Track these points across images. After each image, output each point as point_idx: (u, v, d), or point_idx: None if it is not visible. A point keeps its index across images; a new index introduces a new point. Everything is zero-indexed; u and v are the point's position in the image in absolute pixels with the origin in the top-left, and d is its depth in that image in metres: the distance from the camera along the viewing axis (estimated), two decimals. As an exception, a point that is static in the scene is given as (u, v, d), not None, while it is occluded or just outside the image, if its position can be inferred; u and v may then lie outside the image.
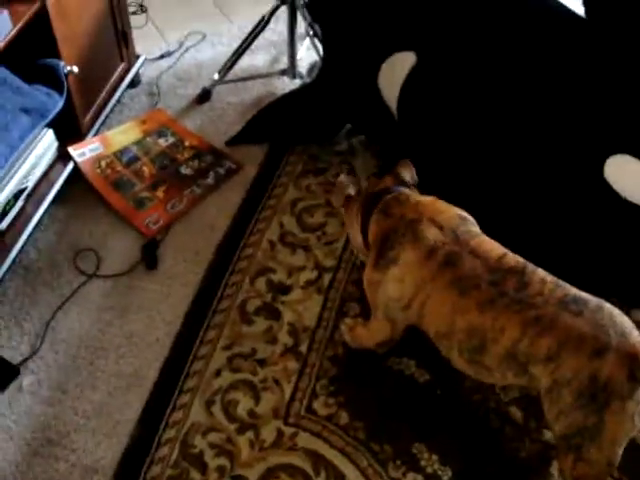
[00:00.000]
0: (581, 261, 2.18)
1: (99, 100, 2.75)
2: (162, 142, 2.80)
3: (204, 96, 2.96)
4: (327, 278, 2.40)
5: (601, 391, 1.59)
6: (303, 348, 2.23)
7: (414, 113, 2.36)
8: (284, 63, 3.05)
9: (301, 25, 3.01)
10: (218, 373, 2.19)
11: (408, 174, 2.09)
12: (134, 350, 2.23)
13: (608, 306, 1.68)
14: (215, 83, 2.96)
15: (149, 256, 2.45)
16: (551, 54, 2.17)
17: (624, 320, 1.65)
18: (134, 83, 3.00)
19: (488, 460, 2.06)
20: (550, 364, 1.65)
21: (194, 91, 3.02)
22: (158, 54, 3.20)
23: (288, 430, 2.09)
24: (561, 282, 1.75)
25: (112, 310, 2.33)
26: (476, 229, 1.92)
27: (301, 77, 2.97)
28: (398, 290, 1.90)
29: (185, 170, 2.71)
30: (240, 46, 2.97)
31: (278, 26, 3.15)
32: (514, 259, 1.81)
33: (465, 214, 1.96)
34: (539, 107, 2.14)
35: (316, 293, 2.36)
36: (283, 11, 2.91)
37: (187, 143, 2.80)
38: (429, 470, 2.03)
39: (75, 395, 2.14)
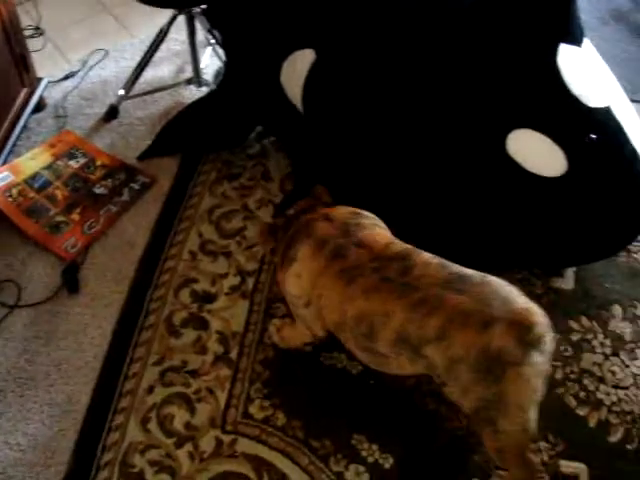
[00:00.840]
0: (493, 236, 2.23)
1: (3, 128, 2.69)
2: (73, 164, 2.76)
3: (111, 113, 2.93)
4: (251, 282, 2.41)
5: (494, 362, 1.63)
6: (234, 354, 2.24)
7: (318, 108, 2.38)
8: (189, 72, 3.03)
9: (201, 33, 3.00)
10: (151, 390, 2.18)
11: (327, 197, 2.11)
12: (64, 377, 2.21)
13: (492, 279, 1.73)
14: (121, 99, 2.93)
15: (70, 280, 2.42)
16: (446, 39, 2.20)
17: (509, 290, 1.70)
18: (39, 107, 2.95)
19: (428, 442, 2.10)
20: (441, 343, 1.68)
21: (101, 109, 2.98)
22: (62, 75, 3.14)
23: (227, 438, 2.10)
24: (446, 262, 1.79)
25: (38, 339, 2.29)
26: (369, 222, 1.95)
27: (207, 85, 2.96)
28: (297, 286, 1.93)
29: (99, 190, 2.68)
30: (142, 60, 2.95)
31: (180, 36, 3.13)
32: (400, 246, 1.86)
33: (360, 210, 1.99)
34: (438, 92, 2.17)
35: (241, 298, 2.37)
36: (182, 21, 2.89)
37: (99, 162, 2.76)
38: (370, 460, 2.06)
39: (7, 430, 2.11)
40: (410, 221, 2.28)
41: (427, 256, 1.81)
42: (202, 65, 3.00)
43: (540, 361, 1.65)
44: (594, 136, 2.05)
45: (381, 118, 2.24)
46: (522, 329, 1.61)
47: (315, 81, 2.34)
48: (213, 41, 3.02)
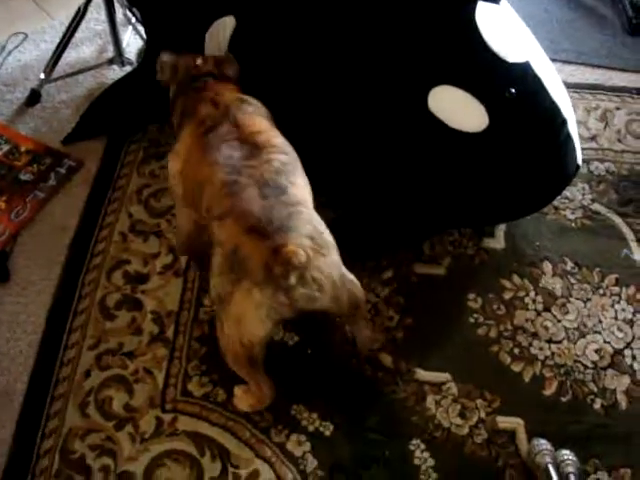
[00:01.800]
0: (419, 195, 2.24)
1: None
2: (-4, 151, 2.70)
3: (33, 98, 2.86)
4: (183, 260, 2.39)
5: (238, 265, 1.71)
6: (169, 333, 2.23)
7: (243, 72, 2.34)
8: (111, 52, 2.96)
9: (121, 12, 2.95)
10: (88, 374, 2.16)
11: (231, 69, 2.23)
12: (-1, 367, 2.18)
13: (305, 210, 1.82)
14: (43, 83, 2.86)
15: (7, 270, 2.38)
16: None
17: (309, 227, 1.77)
18: (-43, 94, 2.88)
19: (366, 409, 2.13)
20: (218, 222, 1.80)
21: (23, 94, 2.90)
22: (-20, 62, 3.07)
23: (167, 417, 2.09)
24: (288, 174, 1.89)
25: (-32, 330, 2.26)
26: (251, 109, 2.08)
27: (130, 64, 2.90)
28: (175, 164, 2.04)
29: (24, 176, 2.62)
30: (61, 41, 2.88)
31: (101, 15, 3.06)
32: (268, 140, 1.96)
33: (247, 97, 2.12)
34: (357, 51, 2.17)
35: (174, 277, 2.35)
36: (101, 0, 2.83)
37: (23, 148, 2.70)
38: (311, 428, 2.08)
39: (-58, 425, 2.07)
40: (337, 178, 2.33)
41: (278, 157, 1.91)
42: (124, 44, 2.94)
43: (274, 298, 1.70)
44: (514, 90, 2.08)
45: (301, 78, 2.24)
46: (275, 258, 1.65)
47: (237, 46, 2.33)
48: (133, 19, 2.96)
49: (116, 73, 2.95)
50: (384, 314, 2.28)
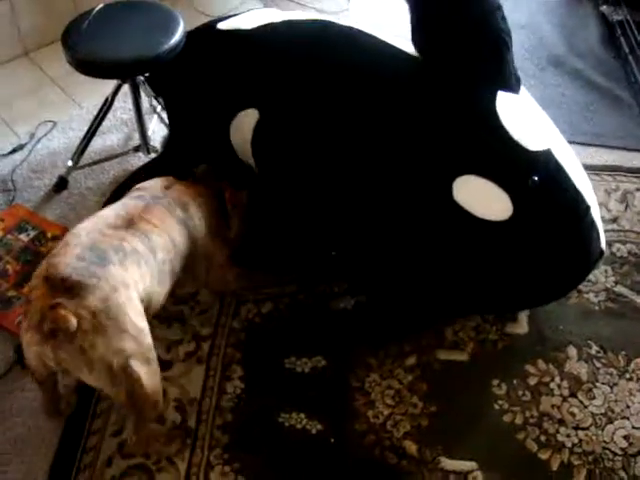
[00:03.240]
0: (444, 283, 2.26)
1: (-49, 205, 2.68)
2: (23, 237, 2.74)
3: (61, 184, 2.92)
4: (206, 347, 2.40)
5: (28, 303, 1.88)
6: (192, 422, 2.22)
7: (267, 162, 2.41)
8: (137, 140, 3.03)
9: (147, 101, 3.02)
10: (109, 462, 2.15)
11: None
12: (20, 455, 2.17)
13: (107, 288, 1.85)
14: (70, 170, 2.93)
15: (23, 355, 2.38)
16: (389, 90, 2.25)
17: (102, 305, 1.81)
18: (-13, 182, 2.95)
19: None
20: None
21: (51, 181, 2.97)
22: (9, 149, 3.14)
23: (189, 507, 2.07)
24: (127, 257, 1.96)
25: (-8, 418, 2.26)
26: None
27: (155, 151, 2.97)
28: None
29: (50, 262, 2.66)
30: (88, 130, 2.96)
31: (127, 104, 3.15)
32: (147, 229, 2.09)
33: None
34: (383, 142, 2.20)
35: (197, 364, 2.35)
36: (128, 90, 2.91)
37: (49, 234, 2.75)
38: (335, 519, 2.05)
39: (-38, 514, 2.06)
40: (361, 264, 2.35)
41: (133, 241, 2.02)
42: (149, 132, 3.01)
43: (40, 346, 1.81)
44: (537, 178, 2.10)
45: (327, 170, 2.27)
46: (50, 316, 1.75)
47: (261, 138, 2.38)
48: (159, 108, 3.04)
49: (142, 160, 3.02)
50: (408, 401, 2.26)
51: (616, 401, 2.29)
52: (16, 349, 2.39)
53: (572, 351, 2.40)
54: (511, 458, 2.16)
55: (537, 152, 2.16)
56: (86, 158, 3.00)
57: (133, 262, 1.97)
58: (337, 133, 2.25)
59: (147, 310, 2.03)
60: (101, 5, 2.70)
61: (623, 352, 2.40)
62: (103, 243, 1.96)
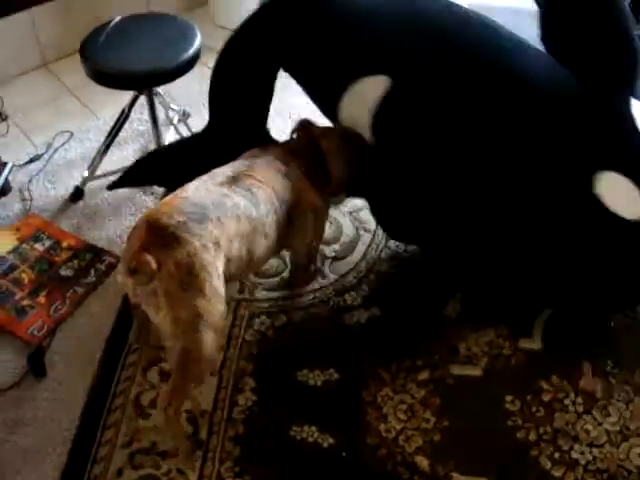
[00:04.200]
0: (564, 273, 2.28)
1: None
2: (39, 247, 2.76)
3: (77, 194, 2.94)
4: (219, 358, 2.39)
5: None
6: (203, 434, 2.21)
7: (394, 137, 2.34)
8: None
9: (163, 112, 3.04)
10: (120, 473, 2.14)
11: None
12: (31, 464, 2.16)
13: (199, 246, 1.92)
14: (86, 180, 2.95)
15: (36, 364, 2.39)
16: (534, 83, 2.24)
17: (189, 260, 1.88)
18: (4, 191, 2.96)
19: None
20: None
21: (67, 191, 2.99)
22: (27, 159, 3.16)
23: (200, 519, 2.06)
24: (226, 212, 2.03)
25: (4, 426, 2.25)
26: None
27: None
28: None
29: (65, 271, 2.67)
30: (105, 141, 2.98)
31: (144, 115, 3.17)
32: (251, 183, 2.16)
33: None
34: (526, 127, 2.20)
35: (209, 375, 2.34)
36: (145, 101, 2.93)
37: (64, 244, 2.77)
38: (346, 533, 2.03)
39: (-27, 523, 2.06)
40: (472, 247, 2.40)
41: (236, 197, 2.09)
42: (165, 144, 3.03)
43: (123, 278, 1.93)
44: None
45: (461, 149, 2.25)
46: (135, 255, 1.86)
47: (391, 109, 2.31)
48: (175, 119, 3.05)
49: (157, 171, 3.02)
50: (420, 415, 2.24)
51: (631, 418, 2.26)
52: (29, 358, 2.40)
53: (587, 367, 2.38)
54: (524, 475, 2.14)
55: None
56: (102, 169, 3.02)
57: (232, 217, 2.04)
58: (478, 113, 2.22)
59: (250, 263, 2.15)
60: (119, 17, 2.73)
61: (638, 368, 2.38)
62: (206, 199, 2.04)
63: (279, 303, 2.55)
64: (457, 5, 2.47)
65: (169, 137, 3.12)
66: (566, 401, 2.30)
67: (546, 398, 2.30)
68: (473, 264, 2.50)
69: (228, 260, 2.02)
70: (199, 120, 3.23)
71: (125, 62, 2.56)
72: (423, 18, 2.41)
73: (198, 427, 2.22)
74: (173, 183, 2.63)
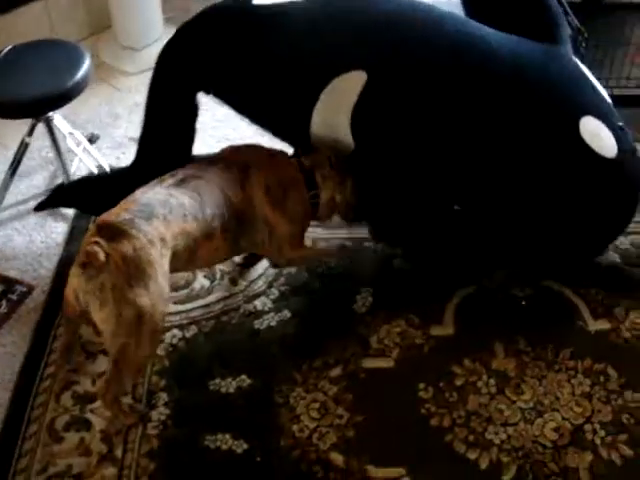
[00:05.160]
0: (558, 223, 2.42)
1: None
2: (-52, 283, 2.74)
3: (-14, 226, 2.92)
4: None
5: None
6: (118, 452, 2.19)
7: (375, 134, 2.35)
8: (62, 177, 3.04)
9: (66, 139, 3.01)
10: (35, 497, 2.13)
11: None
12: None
13: (146, 243, 1.99)
14: (-6, 226, 2.96)
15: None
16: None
17: (135, 255, 1.96)
18: None
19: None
20: None
21: (-24, 223, 2.97)
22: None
23: (117, 538, 2.05)
24: (171, 212, 2.09)
25: None
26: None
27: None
28: None
29: (-23, 304, 2.66)
30: (7, 172, 2.96)
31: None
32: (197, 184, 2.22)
33: None
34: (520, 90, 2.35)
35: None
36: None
37: (-28, 276, 2.75)
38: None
39: None
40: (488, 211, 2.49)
41: (181, 196, 2.16)
42: (73, 169, 3.01)
43: (73, 271, 2.02)
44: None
45: (449, 125, 2.31)
46: (84, 247, 1.98)
47: (370, 103, 2.31)
48: (83, 145, 3.02)
49: (67, 197, 3.01)
50: (333, 412, 2.25)
51: (545, 394, 2.29)
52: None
53: (499, 348, 2.40)
54: (439, 461, 2.15)
55: None
56: (11, 200, 3.00)
57: (178, 216, 2.10)
58: (462, 89, 2.31)
59: (192, 260, 2.21)
60: (9, 47, 2.72)
61: (551, 344, 2.41)
62: (152, 199, 2.11)
63: (190, 315, 2.54)
64: None
65: (76, 163, 3.09)
66: (479, 383, 2.32)
67: (459, 382, 2.32)
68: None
69: (173, 255, 2.09)
70: (109, 141, 3.26)
71: (14, 91, 2.56)
72: (373, 11, 2.43)
73: (113, 446, 2.21)
74: (99, 210, 2.67)
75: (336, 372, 2.35)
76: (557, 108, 2.36)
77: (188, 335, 2.48)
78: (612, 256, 2.68)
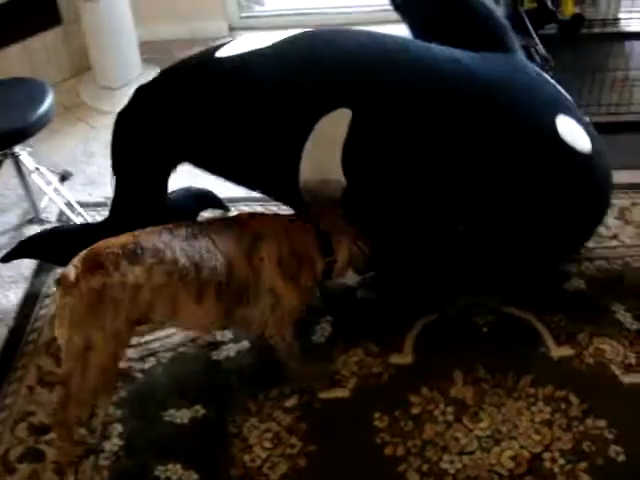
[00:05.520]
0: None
1: None
2: None
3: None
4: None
5: None
6: (69, 483, 2.20)
7: (368, 170, 2.35)
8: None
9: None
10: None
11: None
12: None
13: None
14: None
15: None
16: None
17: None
18: None
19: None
20: None
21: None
22: None
23: None
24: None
25: None
26: None
27: (49, 222, 3.02)
28: None
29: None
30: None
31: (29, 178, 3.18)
32: None
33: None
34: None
35: (77, 424, 2.31)
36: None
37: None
38: None
39: None
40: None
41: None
42: (42, 204, 3.06)
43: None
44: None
45: (441, 147, 2.35)
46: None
47: (359, 139, 2.30)
48: (53, 183, 3.06)
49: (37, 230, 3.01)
50: (286, 442, 2.23)
51: (503, 422, 2.25)
52: None
53: (458, 376, 2.37)
54: (391, 492, 2.13)
55: None
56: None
57: (165, 271, 2.06)
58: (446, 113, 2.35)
59: (175, 318, 2.17)
60: (-25, 86, 2.78)
61: (512, 371, 2.38)
62: (149, 243, 2.07)
63: (149, 346, 2.53)
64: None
65: (46, 199, 3.13)
66: (436, 412, 2.29)
67: (415, 411, 2.29)
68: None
69: (151, 307, 2.07)
70: (83, 178, 3.30)
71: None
72: (339, 49, 2.45)
73: (64, 477, 2.20)
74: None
75: (291, 402, 2.33)
76: (535, 114, 2.42)
77: (147, 367, 2.48)
78: (577, 282, 2.67)
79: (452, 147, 2.33)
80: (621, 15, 3.93)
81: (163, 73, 2.56)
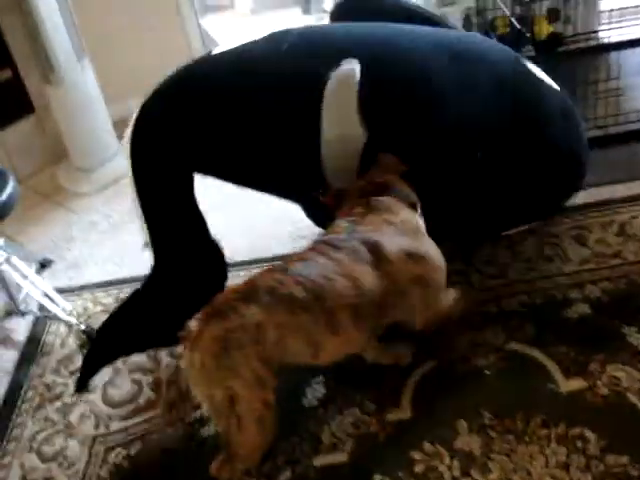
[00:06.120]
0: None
1: None
2: None
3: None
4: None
5: None
6: None
7: (384, 111, 2.37)
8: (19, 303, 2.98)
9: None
10: None
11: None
12: None
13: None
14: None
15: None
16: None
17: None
18: None
19: None
20: None
21: None
22: None
23: None
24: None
25: None
26: None
27: (29, 313, 2.93)
28: None
29: None
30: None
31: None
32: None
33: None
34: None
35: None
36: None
37: None
38: None
39: None
40: None
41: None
42: (22, 295, 2.96)
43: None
44: None
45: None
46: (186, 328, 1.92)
47: (370, 87, 2.34)
48: (31, 274, 3.00)
49: (19, 324, 2.96)
50: (280, 516, 2.08)
51: (515, 470, 2.07)
52: None
53: (462, 425, 2.20)
54: None
55: None
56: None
57: (284, 307, 1.95)
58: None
59: (315, 355, 2.04)
60: None
61: (520, 413, 2.20)
62: (262, 282, 2.00)
63: (134, 430, 2.41)
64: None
65: (26, 290, 3.01)
66: (441, 467, 2.12)
67: (418, 469, 2.12)
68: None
69: (282, 348, 1.96)
70: (63, 263, 3.23)
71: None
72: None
73: None
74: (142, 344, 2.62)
75: (286, 475, 2.17)
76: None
77: (132, 452, 2.35)
78: (581, 307, 2.49)
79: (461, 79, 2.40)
80: (599, 27, 3.84)
81: (162, 85, 2.54)
